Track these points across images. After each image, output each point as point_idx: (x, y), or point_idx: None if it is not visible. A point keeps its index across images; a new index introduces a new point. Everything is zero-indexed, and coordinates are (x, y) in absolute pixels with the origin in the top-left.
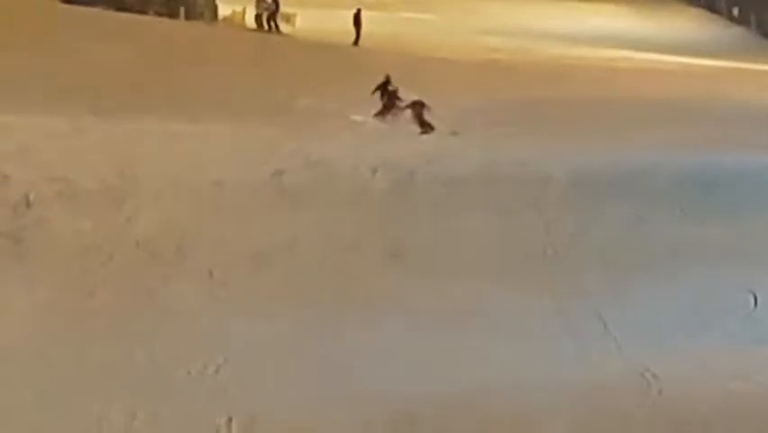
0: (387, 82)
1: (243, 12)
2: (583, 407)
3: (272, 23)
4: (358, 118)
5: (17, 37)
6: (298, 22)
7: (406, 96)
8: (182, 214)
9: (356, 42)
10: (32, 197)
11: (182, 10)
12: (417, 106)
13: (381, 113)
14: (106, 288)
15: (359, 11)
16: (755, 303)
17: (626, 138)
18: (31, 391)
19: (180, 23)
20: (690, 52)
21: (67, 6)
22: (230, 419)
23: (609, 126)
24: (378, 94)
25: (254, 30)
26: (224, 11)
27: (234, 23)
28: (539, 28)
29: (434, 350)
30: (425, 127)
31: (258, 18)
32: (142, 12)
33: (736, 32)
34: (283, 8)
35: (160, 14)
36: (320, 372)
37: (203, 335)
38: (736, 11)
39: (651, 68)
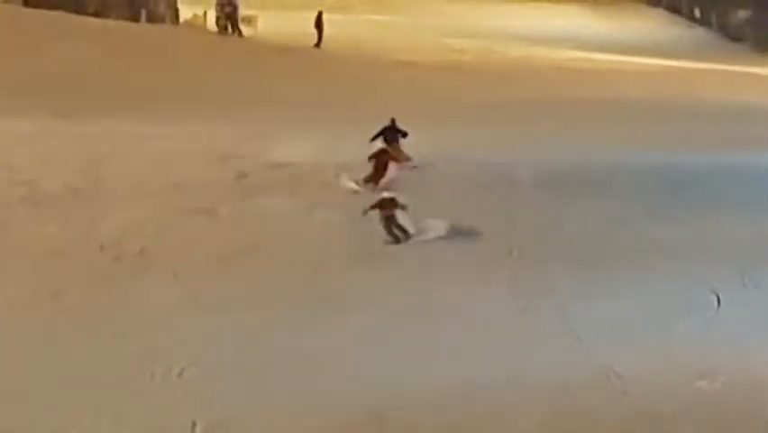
0: (392, 126)
1: (205, 15)
2: (548, 406)
3: (233, 26)
4: (350, 185)
5: None
6: (259, 24)
7: (371, 101)
8: (146, 216)
9: (318, 45)
10: None
11: (143, 13)
12: (388, 204)
13: (370, 179)
14: (72, 291)
15: (320, 13)
16: (719, 304)
17: (591, 138)
18: None
19: (142, 26)
20: (652, 53)
21: (28, 10)
22: (194, 423)
23: (574, 127)
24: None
25: (216, 33)
26: (185, 14)
27: (196, 26)
28: (502, 29)
29: (401, 350)
30: (392, 236)
31: (219, 21)
32: (103, 15)
33: (698, 32)
34: (244, 11)
35: (121, 18)
36: (286, 373)
37: (168, 337)
38: (697, 12)
39: (614, 68)
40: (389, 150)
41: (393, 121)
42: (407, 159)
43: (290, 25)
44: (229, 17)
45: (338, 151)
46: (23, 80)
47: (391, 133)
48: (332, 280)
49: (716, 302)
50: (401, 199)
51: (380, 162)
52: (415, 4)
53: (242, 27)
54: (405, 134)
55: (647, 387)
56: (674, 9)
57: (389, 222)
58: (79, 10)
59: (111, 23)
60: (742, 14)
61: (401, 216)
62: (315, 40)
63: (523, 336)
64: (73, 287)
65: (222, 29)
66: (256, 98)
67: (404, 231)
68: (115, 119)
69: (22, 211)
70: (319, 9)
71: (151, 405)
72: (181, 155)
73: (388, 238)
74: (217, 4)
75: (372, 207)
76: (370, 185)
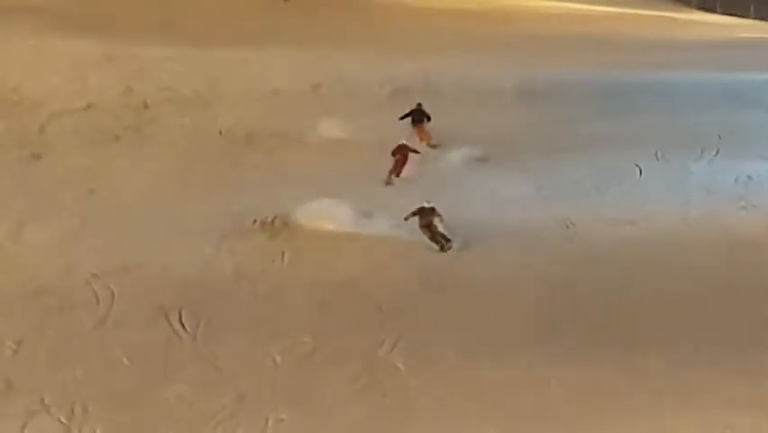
0: (419, 109)
1: None
2: (521, 245)
3: None
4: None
5: None
6: None
7: (401, 33)
8: (251, 113)
9: None
10: (148, 101)
11: None
12: (428, 213)
13: (392, 171)
14: (199, 164)
15: None
16: (640, 173)
17: (557, 61)
18: (150, 226)
19: None
20: (596, 1)
21: None
22: (283, 253)
23: (546, 52)
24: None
25: None
26: None
27: None
28: None
29: None
30: (438, 243)
31: None
32: None
33: None
34: None
35: None
36: None
37: (264, 197)
38: None
39: (574, 12)
40: (408, 145)
41: (420, 105)
42: (430, 138)
43: None
44: None
45: (381, 67)
46: (165, 19)
47: (418, 115)
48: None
49: (638, 173)
50: (439, 210)
51: (401, 156)
52: None
53: None
54: (429, 118)
55: (591, 231)
56: None
57: (431, 230)
58: None
59: None
60: None
61: (439, 224)
62: None
63: (503, 200)
64: (200, 161)
65: None
66: (323, 32)
67: (445, 238)
68: (230, 47)
69: (165, 108)
70: None
71: (254, 242)
72: (276, 71)
73: (434, 246)
74: None
75: (413, 214)
76: (393, 176)
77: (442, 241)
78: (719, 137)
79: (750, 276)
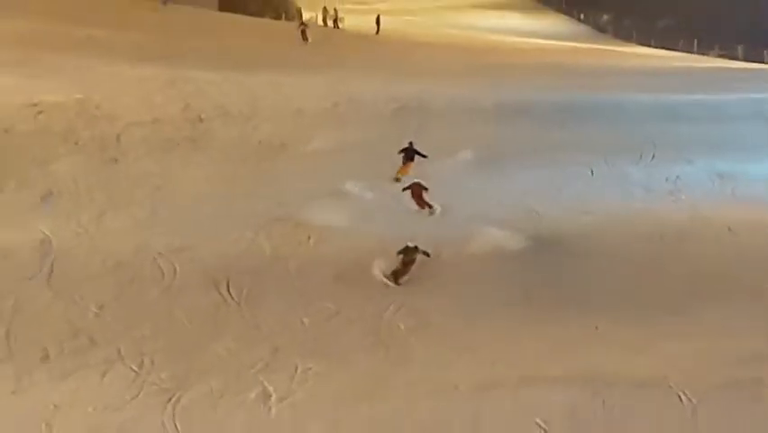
0: (410, 147)
1: (316, 16)
2: (499, 229)
3: (335, 23)
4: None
5: (190, 32)
6: (346, 22)
7: (405, 62)
8: (283, 126)
9: (377, 33)
10: (203, 116)
11: (283, 14)
12: (412, 252)
13: (421, 207)
14: (243, 164)
15: (378, 15)
16: (592, 174)
17: (524, 85)
18: (204, 215)
19: (281, 22)
20: (556, 38)
21: (218, 12)
22: (308, 237)
23: (516, 78)
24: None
25: (322, 26)
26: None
27: (310, 22)
28: (476, 25)
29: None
30: (393, 275)
31: (324, 19)
32: (261, 16)
33: (582, 27)
34: (339, 14)
35: (270, 17)
36: None
37: (294, 193)
38: (582, 16)
39: (535, 47)
40: (420, 182)
41: (411, 144)
42: (406, 173)
43: (362, 22)
44: (334, 19)
45: (385, 89)
46: (216, 53)
47: (409, 153)
48: (380, 160)
49: (591, 173)
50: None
51: (416, 192)
52: (430, 11)
53: (339, 23)
54: (421, 155)
55: (554, 218)
56: (569, 14)
57: (405, 266)
58: (253, 13)
59: (266, 20)
60: (606, 17)
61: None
62: (375, 30)
63: (485, 195)
64: (244, 162)
65: (325, 24)
66: (343, 61)
67: (398, 279)
68: (267, 73)
69: (216, 122)
70: (377, 14)
71: (286, 228)
72: (301, 93)
73: (389, 275)
74: (326, 11)
75: (400, 253)
76: (426, 209)
77: (398, 278)
78: (655, 145)
79: (677, 255)
